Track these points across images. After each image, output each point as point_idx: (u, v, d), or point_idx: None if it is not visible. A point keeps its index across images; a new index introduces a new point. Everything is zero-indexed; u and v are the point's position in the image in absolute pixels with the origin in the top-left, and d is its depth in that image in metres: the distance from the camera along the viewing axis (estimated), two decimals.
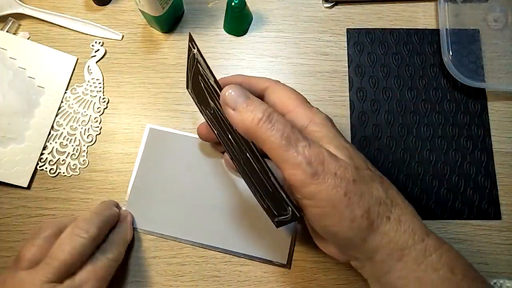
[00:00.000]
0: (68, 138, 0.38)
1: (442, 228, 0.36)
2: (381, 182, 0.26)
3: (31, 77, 0.39)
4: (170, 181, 0.35)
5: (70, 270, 0.28)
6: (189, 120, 0.38)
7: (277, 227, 0.29)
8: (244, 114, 0.24)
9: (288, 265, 0.35)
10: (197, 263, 0.35)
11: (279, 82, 0.30)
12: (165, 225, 0.35)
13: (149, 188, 0.35)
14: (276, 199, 0.27)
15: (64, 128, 0.38)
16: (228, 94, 0.25)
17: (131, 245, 0.35)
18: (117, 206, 0.35)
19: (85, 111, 0.38)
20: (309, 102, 0.29)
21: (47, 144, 0.37)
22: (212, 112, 0.29)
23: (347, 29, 0.41)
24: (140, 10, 0.38)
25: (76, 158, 0.37)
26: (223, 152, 0.36)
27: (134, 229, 0.35)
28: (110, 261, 0.30)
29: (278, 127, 0.24)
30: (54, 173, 0.37)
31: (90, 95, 0.39)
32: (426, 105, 0.39)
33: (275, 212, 0.28)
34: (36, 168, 0.37)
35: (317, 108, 0.28)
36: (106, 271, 0.30)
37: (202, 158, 0.37)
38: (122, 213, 0.34)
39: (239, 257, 0.35)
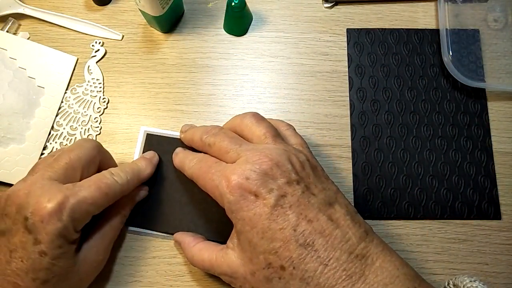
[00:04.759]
0: (68, 138, 0.38)
1: (442, 228, 0.36)
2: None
3: (31, 77, 0.39)
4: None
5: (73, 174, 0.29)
6: (190, 120, 0.38)
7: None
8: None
9: None
10: None
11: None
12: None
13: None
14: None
15: (64, 128, 0.38)
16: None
17: (131, 245, 0.35)
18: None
19: (85, 111, 0.38)
20: None
21: (47, 144, 0.37)
22: None
23: (347, 29, 0.41)
24: (140, 10, 0.38)
25: None
26: None
27: (133, 228, 0.35)
28: (116, 184, 0.30)
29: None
30: None
31: (90, 95, 0.39)
32: (426, 105, 0.39)
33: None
34: None
35: None
36: (110, 188, 0.29)
37: None
38: (146, 154, 0.35)
39: None
